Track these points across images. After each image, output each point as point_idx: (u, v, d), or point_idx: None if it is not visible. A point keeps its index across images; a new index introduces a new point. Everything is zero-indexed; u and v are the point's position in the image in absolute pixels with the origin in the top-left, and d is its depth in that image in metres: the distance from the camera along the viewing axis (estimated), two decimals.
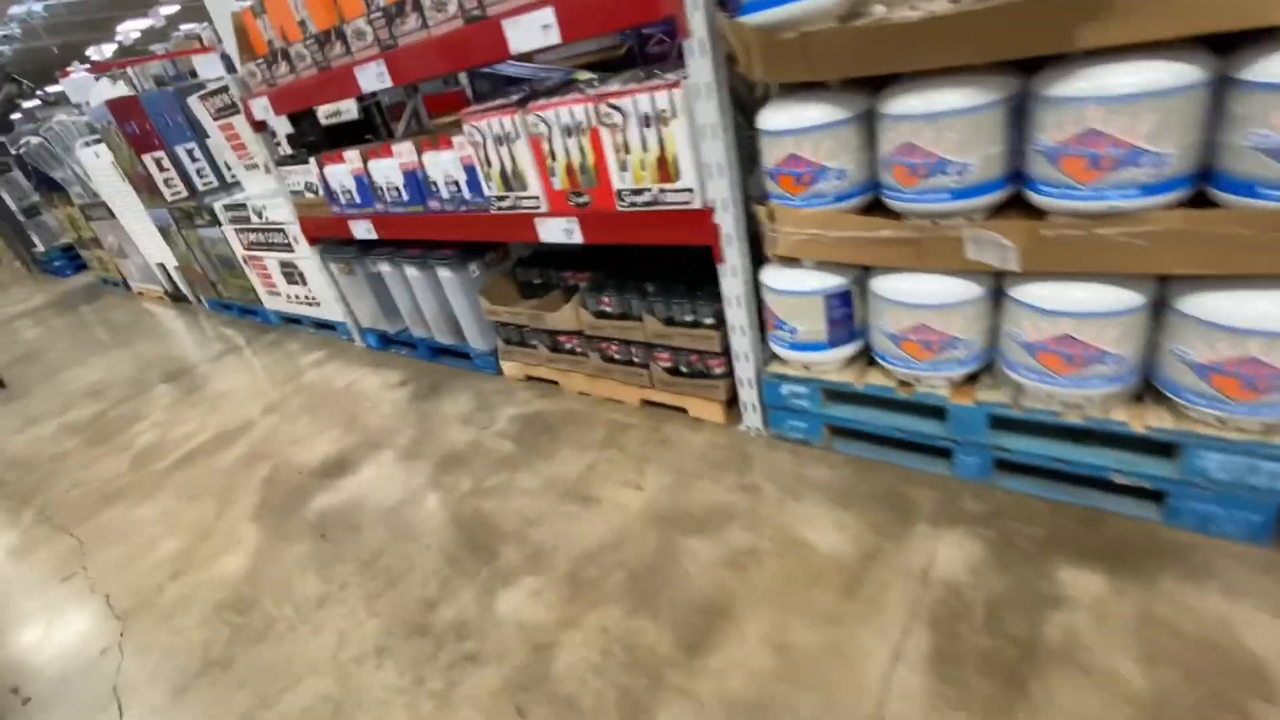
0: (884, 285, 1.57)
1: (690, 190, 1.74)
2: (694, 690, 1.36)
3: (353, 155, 2.65)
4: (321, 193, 2.92)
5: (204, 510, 2.41)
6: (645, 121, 1.72)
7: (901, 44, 1.26)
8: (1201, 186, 1.19)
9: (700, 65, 1.55)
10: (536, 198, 2.11)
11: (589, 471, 2.09)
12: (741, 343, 1.93)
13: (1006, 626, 1.34)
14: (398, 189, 2.57)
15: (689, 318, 2.04)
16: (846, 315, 1.72)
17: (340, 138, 2.88)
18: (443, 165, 2.34)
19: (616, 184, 1.88)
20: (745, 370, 1.98)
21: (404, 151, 2.45)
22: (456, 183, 2.35)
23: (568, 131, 1.89)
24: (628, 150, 1.80)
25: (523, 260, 2.75)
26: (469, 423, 2.56)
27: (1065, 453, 1.52)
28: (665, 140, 1.71)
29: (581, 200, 2.00)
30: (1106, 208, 1.21)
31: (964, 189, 1.36)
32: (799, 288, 1.68)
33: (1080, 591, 1.37)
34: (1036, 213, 1.36)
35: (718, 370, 2.06)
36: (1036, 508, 1.58)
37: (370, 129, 3.21)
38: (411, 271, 2.85)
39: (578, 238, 2.07)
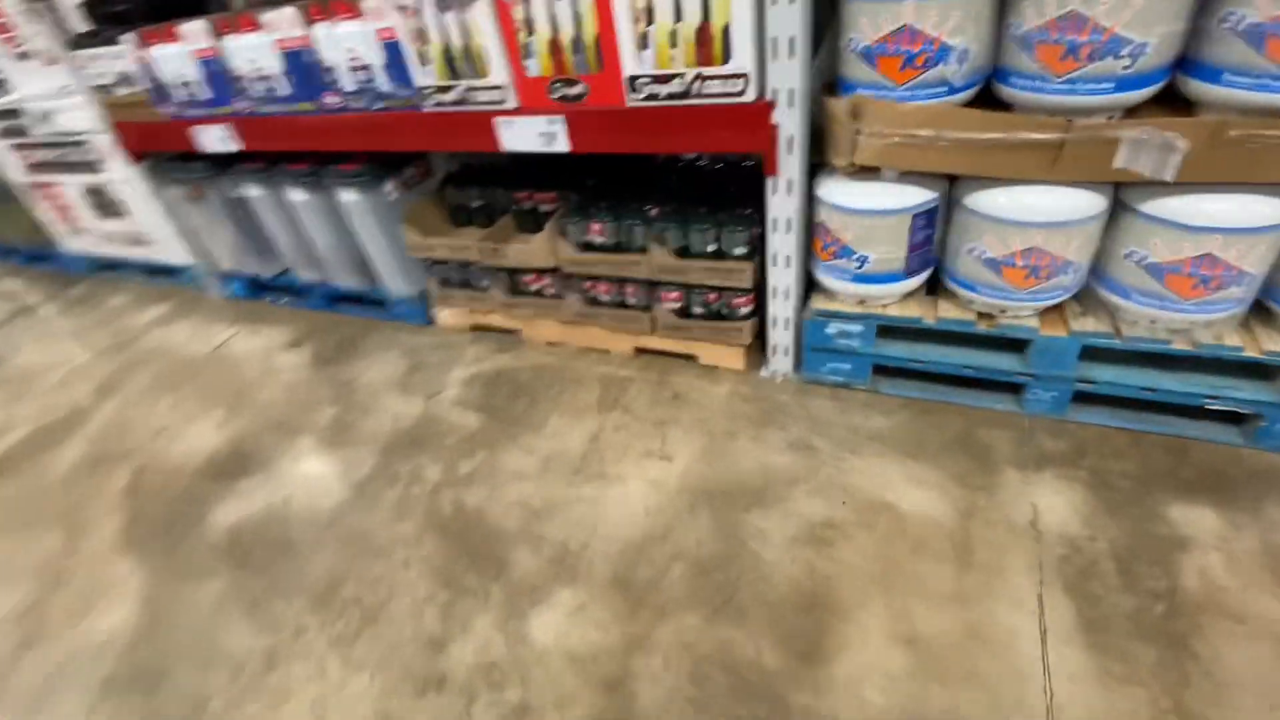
0: (990, 201, 1.31)
1: (743, 76, 1.32)
2: (830, 712, 1.12)
3: (195, 30, 1.85)
4: (146, 87, 2.06)
5: (46, 543, 1.72)
6: None
7: None
8: None
9: None
10: (500, 88, 1.56)
11: (595, 443, 1.71)
12: (783, 277, 1.60)
13: (1141, 580, 1.22)
14: (272, 79, 1.84)
15: (711, 247, 1.66)
16: (928, 239, 1.45)
17: (169, 4, 2.01)
18: (347, 42, 1.68)
19: (630, 68, 1.41)
20: (782, 309, 1.66)
21: (282, 22, 1.73)
22: (367, 68, 1.70)
23: None
24: (651, 19, 1.33)
25: (453, 177, 2.16)
26: (408, 390, 2.03)
27: (1156, 380, 1.41)
28: (715, 4, 1.26)
29: (572, 92, 1.50)
30: None
31: (1132, 77, 1.09)
32: (881, 205, 1.37)
33: (1198, 529, 1.29)
34: (1179, 108, 1.15)
35: (743, 310, 1.73)
36: (1117, 441, 1.48)
37: None
38: (297, 195, 2.15)
39: (561, 144, 1.58)
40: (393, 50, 1.63)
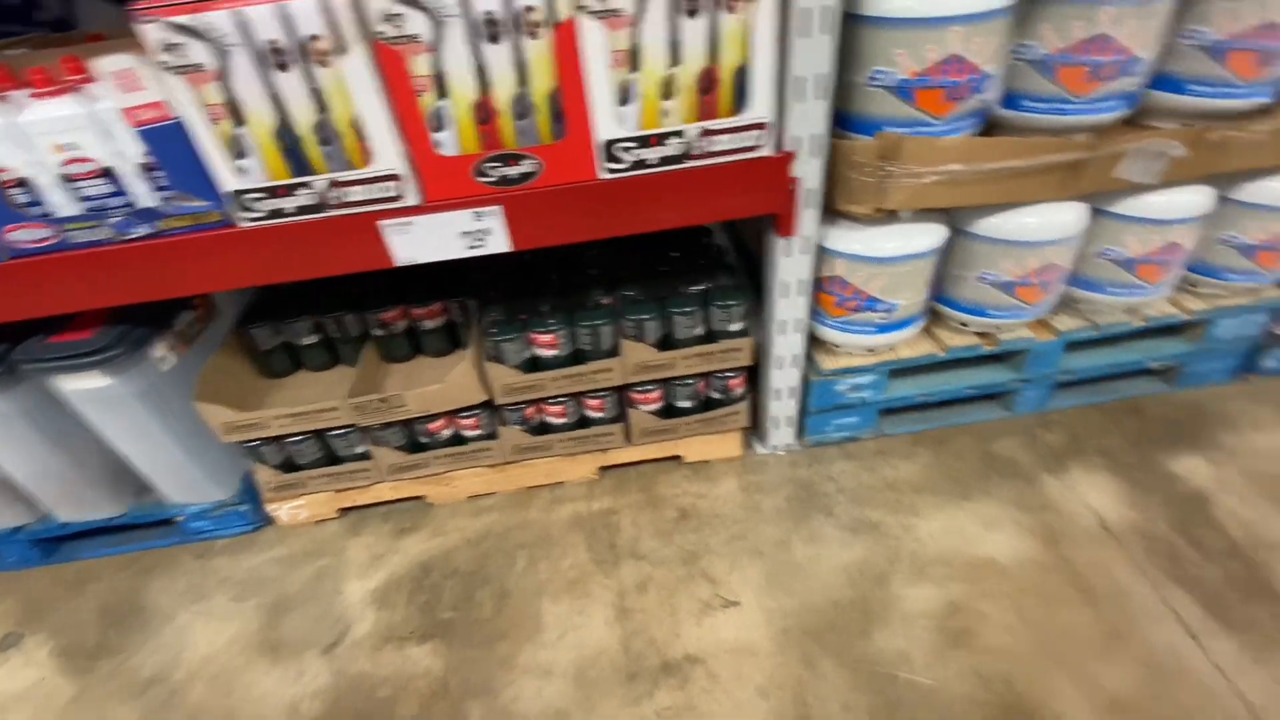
0: (1004, 226, 1.26)
1: (762, 126, 1.05)
2: None
3: None
4: None
5: None
6: (692, 3, 0.93)
7: None
8: None
9: None
10: (392, 178, 1.04)
11: (628, 620, 1.27)
12: (790, 344, 1.37)
13: (1208, 545, 1.30)
14: None
15: (699, 330, 1.35)
16: (938, 275, 1.36)
17: None
18: (53, 135, 0.95)
19: (605, 131, 1.03)
20: (786, 379, 1.44)
21: None
22: (109, 173, 0.99)
23: (487, 29, 0.92)
24: (635, 64, 0.98)
25: (258, 309, 1.46)
26: (283, 653, 1.30)
27: (1115, 357, 1.54)
28: (726, 40, 0.97)
29: (515, 171, 1.05)
30: (1257, 105, 1.14)
31: (1134, 92, 1.12)
32: (912, 249, 1.23)
33: (1200, 477, 1.43)
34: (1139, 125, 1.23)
35: (739, 390, 1.46)
36: (1092, 418, 1.59)
37: None
38: None
39: (497, 243, 1.12)
40: (166, 139, 0.97)
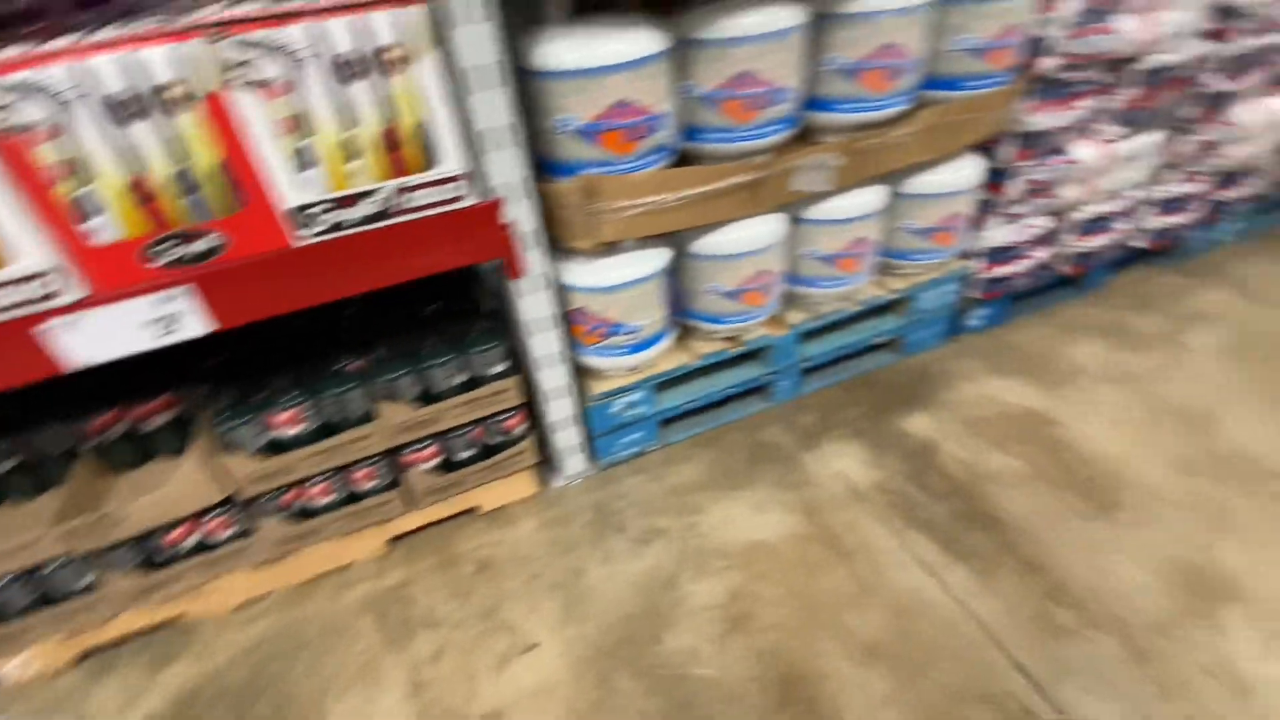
0: (717, 243, 1.40)
1: (459, 178, 1.08)
2: None
3: None
4: None
5: None
6: (347, 70, 0.94)
7: None
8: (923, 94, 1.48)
9: None
10: (40, 276, 0.93)
11: (422, 694, 1.22)
12: (557, 377, 1.41)
13: (936, 488, 1.51)
14: None
15: (461, 378, 1.35)
16: (675, 292, 1.47)
17: None
18: None
19: (292, 197, 1.00)
20: (562, 410, 1.47)
21: None
22: None
23: (122, 109, 0.87)
24: (306, 130, 0.97)
25: None
26: None
27: (844, 339, 1.77)
28: (398, 101, 0.99)
29: (196, 249, 0.99)
30: (895, 113, 1.38)
31: (790, 116, 1.30)
32: (637, 275, 1.33)
33: (925, 429, 1.67)
34: (808, 140, 1.44)
35: (519, 430, 1.47)
36: (836, 396, 1.80)
37: None
38: None
39: (193, 326, 1.04)
40: None
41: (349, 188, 1.02)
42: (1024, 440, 1.60)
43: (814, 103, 1.37)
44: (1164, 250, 2.15)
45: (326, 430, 1.28)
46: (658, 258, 1.36)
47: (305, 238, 1.04)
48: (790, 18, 1.17)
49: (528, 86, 1.13)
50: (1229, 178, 2.06)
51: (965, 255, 1.82)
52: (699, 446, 1.68)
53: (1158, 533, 1.35)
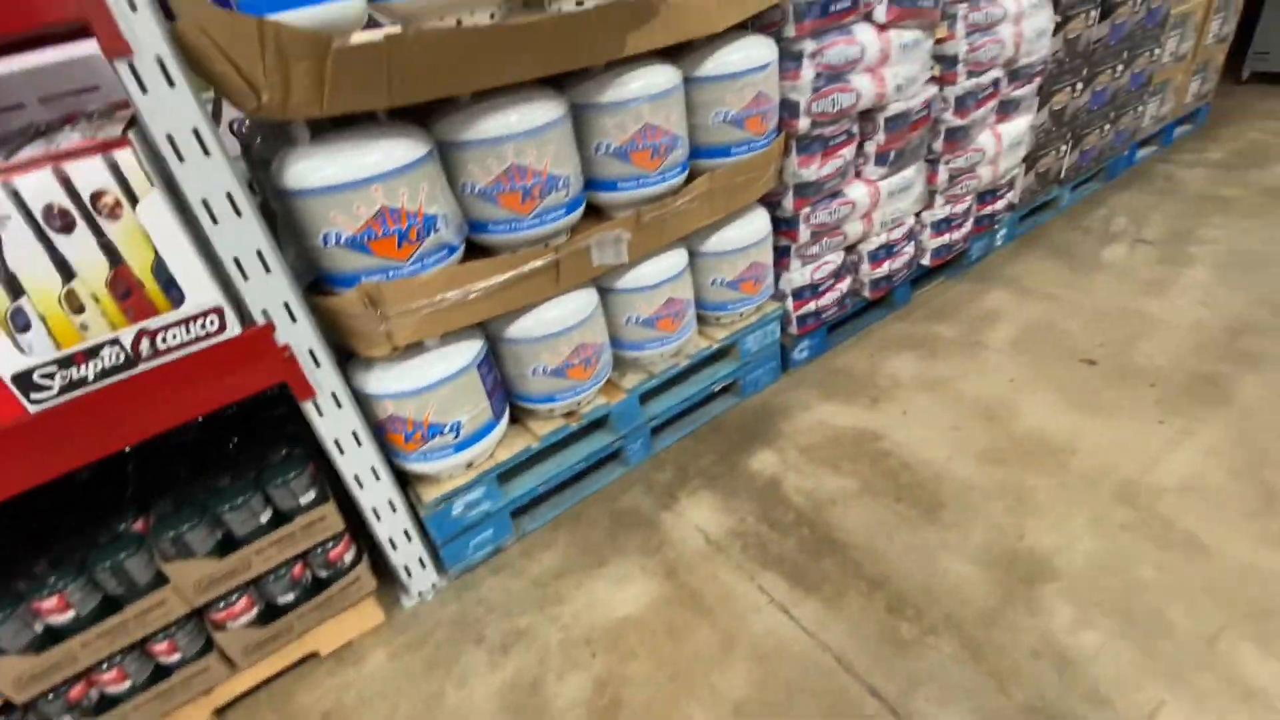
0: (530, 326, 1.41)
1: (216, 311, 1.02)
2: None
3: None
4: None
5: None
6: (56, 222, 0.88)
7: (498, 52, 1.10)
8: (697, 163, 1.60)
9: (171, 99, 0.90)
10: None
11: None
12: (379, 492, 1.34)
13: (782, 522, 1.56)
14: None
15: (266, 516, 1.24)
16: (496, 379, 1.45)
17: None
18: None
19: (7, 364, 0.90)
20: (394, 526, 1.39)
21: None
22: None
23: None
24: (15, 290, 0.88)
25: None
26: None
27: (684, 392, 1.82)
28: (126, 244, 0.93)
29: None
30: (671, 186, 1.47)
31: (572, 200, 1.36)
32: (445, 371, 1.30)
33: (770, 465, 1.73)
34: (595, 217, 1.50)
35: (349, 556, 1.36)
36: (689, 446, 1.85)
37: None
38: None
39: None
40: None
41: (83, 341, 0.93)
42: (855, 458, 1.70)
43: (596, 184, 1.44)
44: (951, 262, 2.43)
45: (109, 606, 1.12)
46: (467, 350, 1.34)
47: (42, 402, 0.93)
48: (548, 112, 1.23)
49: (290, 205, 1.10)
50: (988, 193, 2.38)
51: (778, 297, 1.96)
52: (560, 528, 1.64)
53: (976, 526, 1.46)
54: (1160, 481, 1.50)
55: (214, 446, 1.33)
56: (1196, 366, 1.82)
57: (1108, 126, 2.77)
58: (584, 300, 1.47)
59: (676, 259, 1.61)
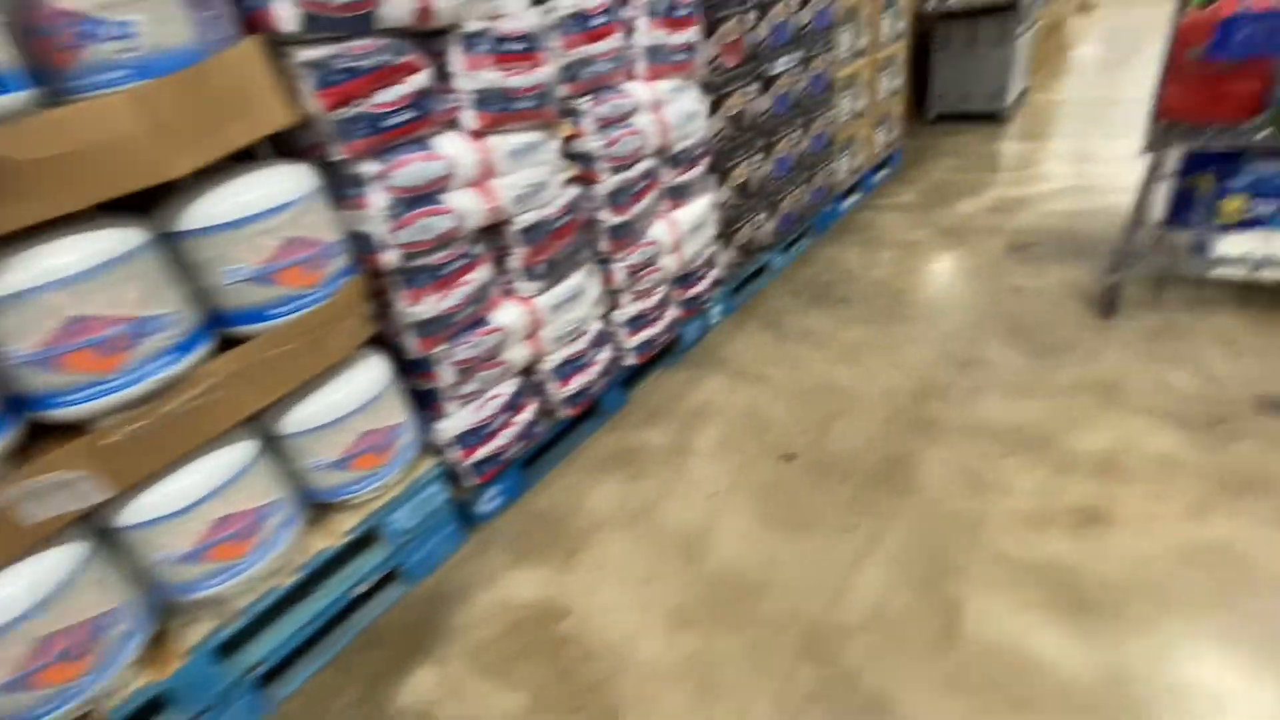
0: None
1: None
2: None
3: None
4: None
5: None
6: None
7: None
8: (221, 332, 1.20)
9: None
10: None
11: None
12: None
13: None
14: None
15: None
16: None
17: None
18: None
19: None
20: None
21: None
22: None
23: None
24: None
25: None
26: None
27: (307, 612, 1.39)
28: None
29: None
30: (153, 385, 1.06)
31: None
32: None
33: (424, 692, 1.34)
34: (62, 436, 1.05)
35: None
36: (323, 683, 1.39)
37: None
38: None
39: None
40: None
41: None
42: (532, 653, 1.37)
43: (29, 402, 0.99)
44: (666, 351, 2.25)
45: None
46: None
47: None
48: None
49: None
50: (689, 276, 2.23)
51: (433, 451, 1.60)
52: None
53: None
54: (846, 619, 1.31)
55: None
56: (885, 447, 1.73)
57: (803, 187, 2.82)
58: (62, 559, 0.99)
59: (225, 460, 1.19)
